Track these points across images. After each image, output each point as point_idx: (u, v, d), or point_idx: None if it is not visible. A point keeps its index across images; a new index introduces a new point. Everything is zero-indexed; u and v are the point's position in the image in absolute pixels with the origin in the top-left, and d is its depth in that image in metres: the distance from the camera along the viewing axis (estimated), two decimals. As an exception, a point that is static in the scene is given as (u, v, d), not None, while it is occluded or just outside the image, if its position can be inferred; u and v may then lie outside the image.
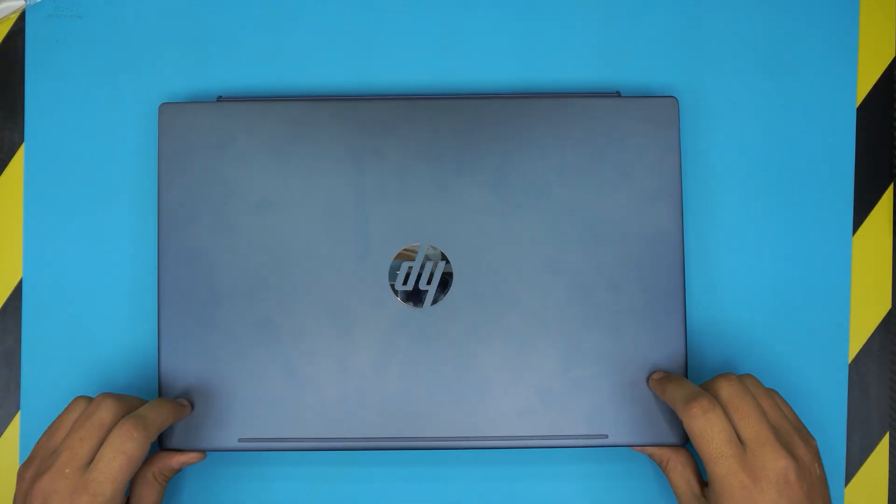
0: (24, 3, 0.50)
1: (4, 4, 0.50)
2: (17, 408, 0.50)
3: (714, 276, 0.49)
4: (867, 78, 0.50)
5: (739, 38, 0.50)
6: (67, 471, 0.40)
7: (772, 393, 0.44)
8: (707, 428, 0.40)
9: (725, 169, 0.50)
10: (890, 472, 0.50)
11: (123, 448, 0.40)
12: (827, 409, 0.49)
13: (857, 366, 0.50)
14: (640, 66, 0.50)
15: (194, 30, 0.50)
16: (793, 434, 0.41)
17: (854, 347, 0.50)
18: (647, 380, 0.46)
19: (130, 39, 0.50)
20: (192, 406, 0.46)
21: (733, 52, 0.50)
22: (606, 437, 0.45)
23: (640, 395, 0.45)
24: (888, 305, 0.50)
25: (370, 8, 0.50)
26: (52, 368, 0.49)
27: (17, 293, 0.50)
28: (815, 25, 0.50)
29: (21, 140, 0.50)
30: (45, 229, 0.50)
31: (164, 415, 0.43)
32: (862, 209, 0.50)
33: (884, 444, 0.50)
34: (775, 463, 0.39)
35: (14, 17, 0.50)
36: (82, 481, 0.40)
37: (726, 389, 0.42)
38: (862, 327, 0.50)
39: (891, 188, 0.50)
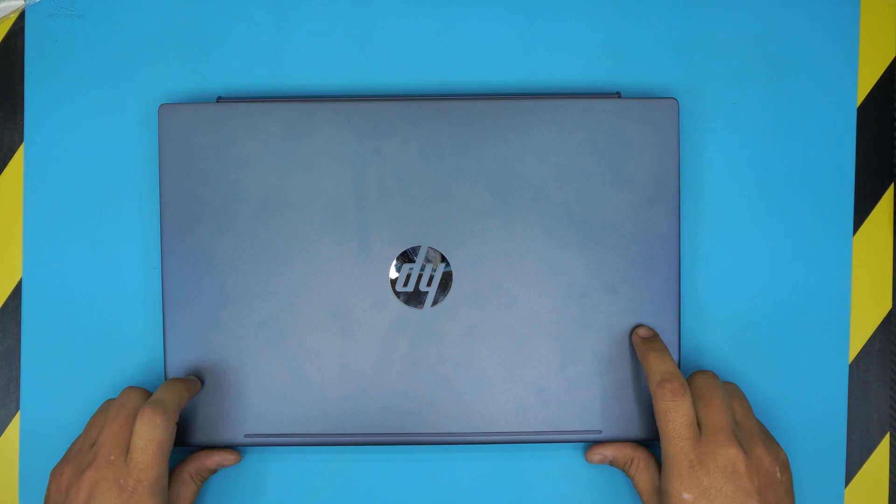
0: (23, 2, 0.50)
1: (4, 4, 0.50)
2: (17, 407, 0.50)
3: (714, 275, 0.49)
4: (867, 78, 0.50)
5: (739, 39, 0.50)
6: (112, 457, 0.42)
7: (747, 404, 0.45)
8: (672, 409, 0.42)
9: (725, 168, 0.50)
10: (890, 472, 0.50)
11: (151, 435, 0.42)
12: (827, 409, 0.49)
13: (857, 366, 0.50)
14: (639, 66, 0.50)
15: (194, 30, 0.50)
16: (754, 436, 0.43)
17: (854, 347, 0.50)
18: (631, 333, 0.46)
19: (130, 39, 0.50)
20: (203, 383, 0.46)
21: (733, 53, 0.50)
22: (600, 432, 0.47)
23: (632, 394, 0.47)
24: (888, 306, 0.50)
25: (370, 8, 0.50)
26: (52, 368, 0.49)
27: (16, 293, 0.50)
28: (815, 25, 0.50)
29: (21, 140, 0.50)
30: (45, 229, 0.50)
31: (179, 393, 0.44)
32: (862, 209, 0.50)
33: (884, 445, 0.50)
34: (725, 450, 0.41)
35: (14, 17, 0.50)
36: (126, 467, 0.41)
37: (701, 379, 0.44)
38: (862, 327, 0.50)
39: (891, 188, 0.50)
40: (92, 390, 0.49)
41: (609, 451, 0.47)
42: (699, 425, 0.42)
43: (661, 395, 0.42)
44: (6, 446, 0.50)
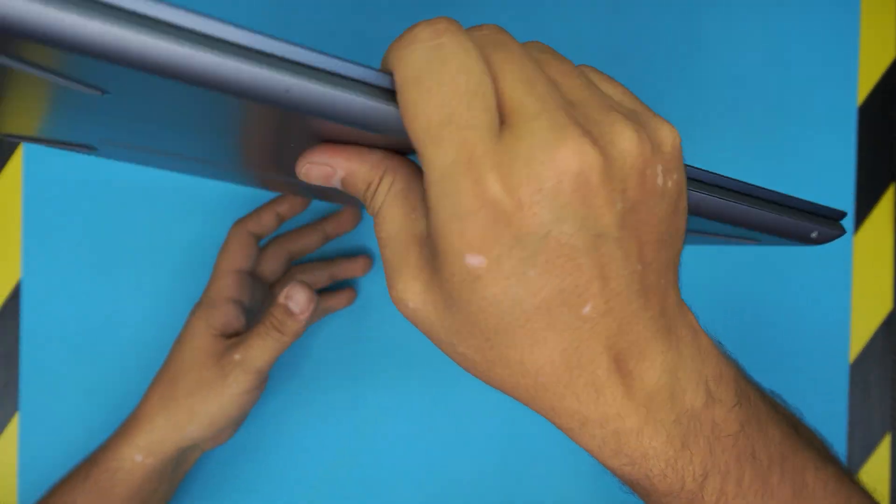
0: (23, 3, 0.50)
1: (4, 4, 0.50)
2: (16, 408, 0.49)
3: (714, 274, 0.49)
4: (868, 78, 0.50)
5: (739, 38, 0.50)
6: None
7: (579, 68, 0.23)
8: (437, 63, 0.20)
9: (725, 169, 0.50)
10: (891, 472, 0.50)
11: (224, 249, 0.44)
12: (828, 409, 0.49)
13: (858, 366, 0.50)
14: (638, 66, 0.50)
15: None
16: (609, 113, 0.21)
17: (855, 348, 0.50)
18: None
19: (130, 39, 0.50)
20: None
21: (733, 53, 0.50)
22: None
23: None
24: (889, 306, 0.50)
25: (371, 7, 0.50)
26: (51, 369, 0.49)
27: (15, 294, 0.50)
28: (815, 25, 0.50)
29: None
30: (45, 229, 0.50)
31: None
32: (863, 209, 0.50)
33: (885, 445, 0.50)
34: (551, 151, 0.19)
35: (14, 17, 0.50)
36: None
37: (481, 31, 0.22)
38: (863, 328, 0.50)
39: (891, 188, 0.50)
40: (92, 390, 0.49)
41: (339, 159, 0.23)
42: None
43: (409, 40, 0.20)
44: (5, 447, 0.49)
